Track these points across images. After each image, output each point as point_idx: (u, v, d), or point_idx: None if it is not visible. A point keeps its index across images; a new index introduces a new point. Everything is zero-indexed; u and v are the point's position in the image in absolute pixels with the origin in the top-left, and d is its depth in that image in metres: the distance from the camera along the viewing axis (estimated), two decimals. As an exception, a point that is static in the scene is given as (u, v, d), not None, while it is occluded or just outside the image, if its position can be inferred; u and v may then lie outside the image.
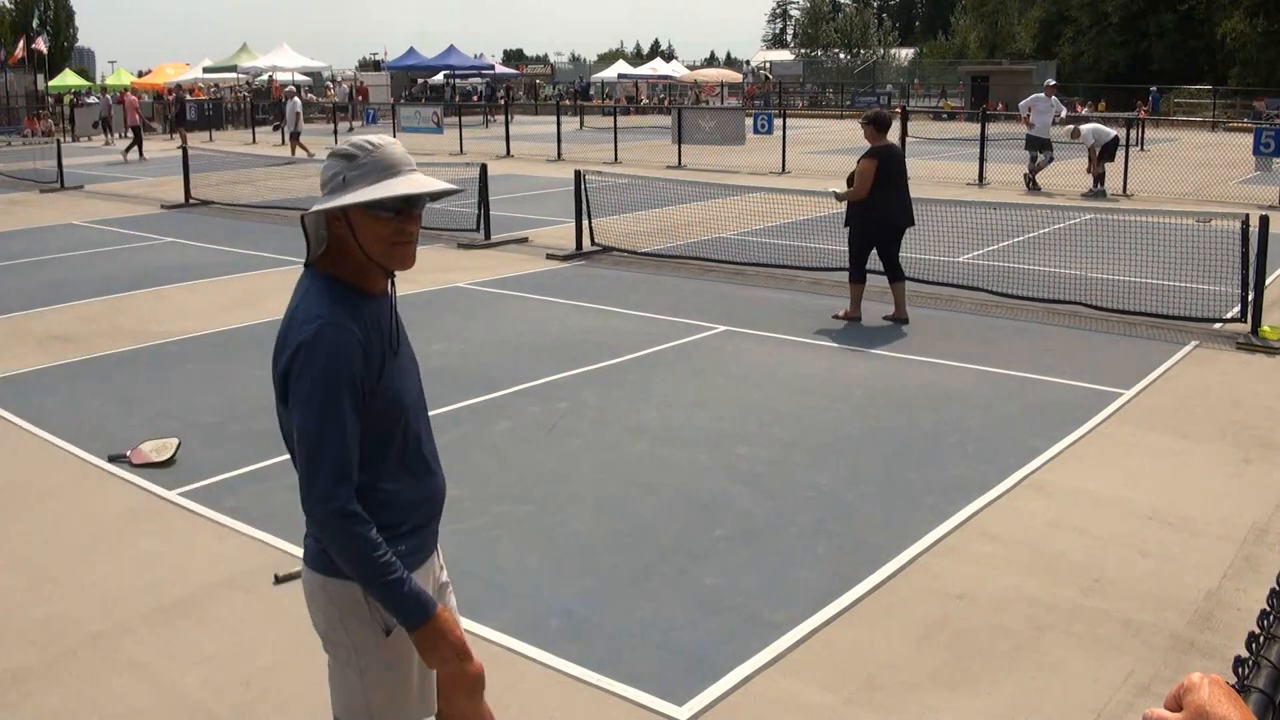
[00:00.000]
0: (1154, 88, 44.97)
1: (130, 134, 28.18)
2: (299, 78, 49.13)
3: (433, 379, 7.53)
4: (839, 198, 9.21)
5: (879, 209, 8.89)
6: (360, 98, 42.51)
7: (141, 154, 26.99)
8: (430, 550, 2.50)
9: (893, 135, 9.51)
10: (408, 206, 2.28)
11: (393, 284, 2.39)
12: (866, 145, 9.03)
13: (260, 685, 3.85)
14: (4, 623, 4.31)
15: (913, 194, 9.24)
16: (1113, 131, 18.24)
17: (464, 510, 5.34)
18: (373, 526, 2.23)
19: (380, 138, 2.33)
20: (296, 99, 28.09)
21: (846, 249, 9.23)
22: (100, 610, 4.39)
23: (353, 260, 2.30)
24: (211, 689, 3.83)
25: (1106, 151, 17.80)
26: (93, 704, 3.76)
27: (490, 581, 4.61)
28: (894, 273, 9.17)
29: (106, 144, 32.61)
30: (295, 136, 26.28)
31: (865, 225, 8.99)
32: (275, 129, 31.86)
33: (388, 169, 2.26)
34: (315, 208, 2.28)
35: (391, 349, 2.35)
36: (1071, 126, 17.76)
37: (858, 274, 9.14)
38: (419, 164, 2.37)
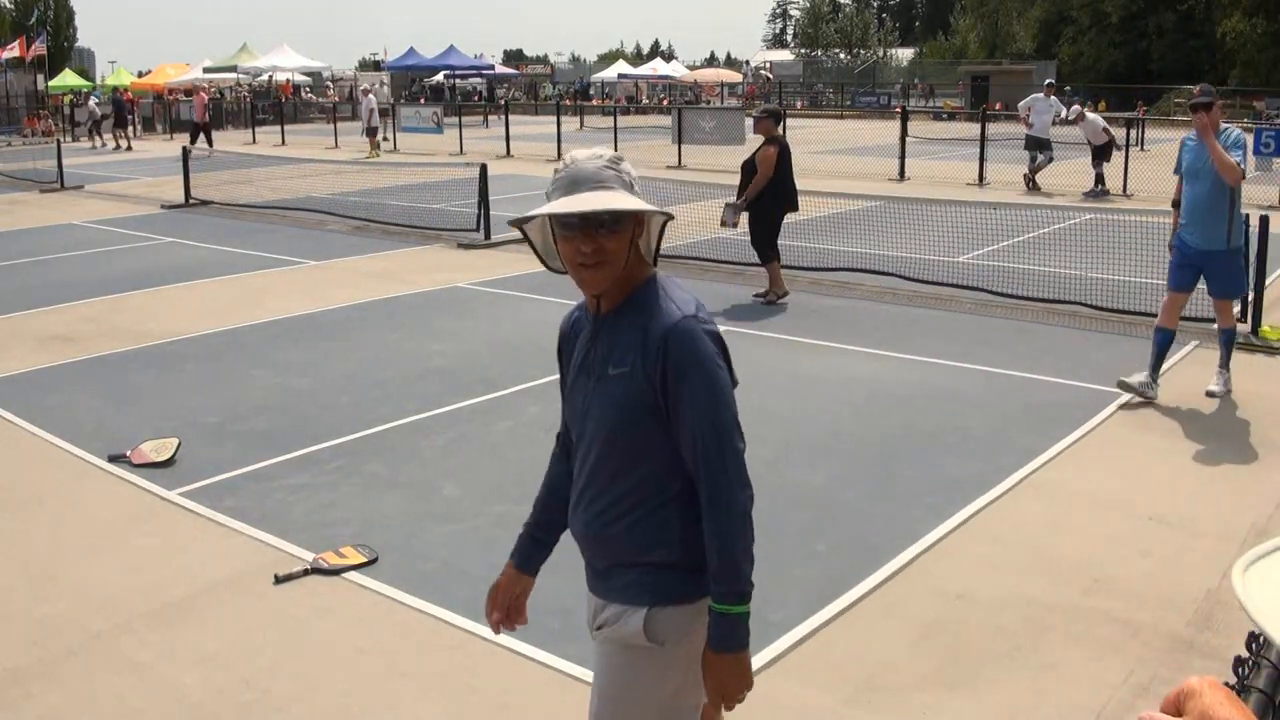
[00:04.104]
0: (1069, 88, 45.01)
1: (194, 130, 27.94)
2: (299, 78, 49.11)
3: (433, 379, 7.61)
4: (736, 209, 10.11)
5: (780, 194, 9.91)
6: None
7: (210, 145, 26.54)
8: (591, 586, 2.45)
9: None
10: (581, 224, 2.14)
11: (599, 307, 2.30)
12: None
13: (260, 685, 3.85)
14: (4, 623, 4.31)
15: (914, 194, 9.36)
16: (1107, 133, 18.24)
17: (463, 509, 5.35)
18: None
19: (575, 154, 2.23)
20: (372, 96, 28.07)
21: (750, 238, 10.13)
22: (100, 610, 4.39)
23: None
24: (211, 689, 3.83)
25: (1102, 152, 17.81)
26: (93, 704, 3.76)
27: (489, 581, 4.60)
28: (772, 254, 10.10)
29: (95, 148, 31.80)
30: (372, 133, 26.27)
31: (769, 210, 9.95)
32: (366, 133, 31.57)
33: (564, 187, 2.18)
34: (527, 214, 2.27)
35: (586, 368, 2.32)
36: (1077, 109, 18.00)
37: (773, 255, 10.01)
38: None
